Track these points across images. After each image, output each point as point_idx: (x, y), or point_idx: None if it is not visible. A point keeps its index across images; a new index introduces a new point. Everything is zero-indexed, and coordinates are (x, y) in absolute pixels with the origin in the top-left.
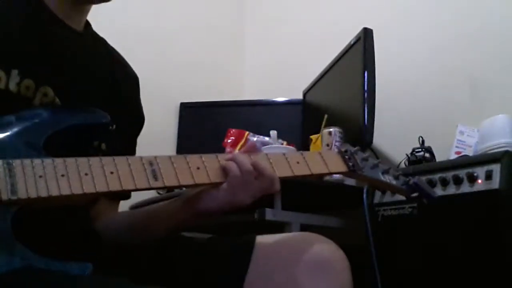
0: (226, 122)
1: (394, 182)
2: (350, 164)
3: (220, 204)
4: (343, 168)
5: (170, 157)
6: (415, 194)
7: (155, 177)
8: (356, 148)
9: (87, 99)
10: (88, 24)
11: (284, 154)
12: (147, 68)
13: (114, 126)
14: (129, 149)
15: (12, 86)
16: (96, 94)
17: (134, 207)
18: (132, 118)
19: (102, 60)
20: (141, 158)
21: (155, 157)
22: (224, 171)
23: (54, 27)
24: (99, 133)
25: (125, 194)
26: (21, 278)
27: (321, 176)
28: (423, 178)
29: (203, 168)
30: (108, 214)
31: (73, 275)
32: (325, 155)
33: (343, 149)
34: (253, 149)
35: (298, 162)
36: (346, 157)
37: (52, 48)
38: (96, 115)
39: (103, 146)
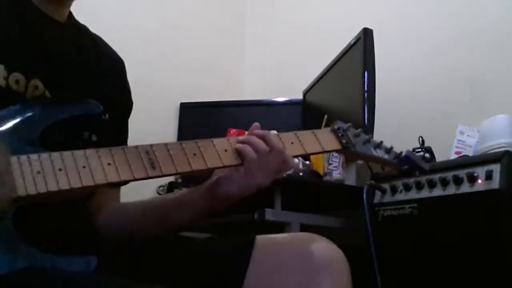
0: (226, 122)
1: (386, 156)
2: (344, 141)
3: (240, 187)
4: (336, 146)
5: (166, 144)
6: (406, 167)
7: (153, 166)
8: (348, 125)
9: (76, 89)
10: (70, 14)
11: (278, 135)
12: (147, 68)
13: (107, 116)
14: (121, 136)
15: (0, 80)
16: (85, 84)
17: None
18: (121, 104)
19: (88, 49)
20: (136, 147)
21: (151, 146)
22: (239, 154)
23: (38, 20)
24: (92, 123)
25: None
26: (23, 279)
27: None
28: (423, 179)
29: (199, 154)
30: (111, 203)
31: (76, 274)
32: (318, 134)
33: (336, 127)
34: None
35: (292, 143)
36: (339, 134)
37: (38, 40)
38: (89, 105)
39: (94, 137)
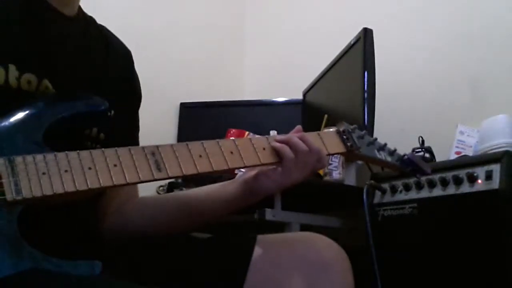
0: (226, 122)
1: (389, 158)
2: (348, 144)
3: (276, 184)
4: (341, 148)
5: (172, 145)
6: (409, 169)
7: (159, 168)
8: (353, 127)
9: (84, 88)
10: (80, 7)
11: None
12: (147, 68)
13: (113, 112)
14: (130, 131)
15: (12, 81)
16: (92, 81)
17: None
18: (129, 98)
19: (95, 43)
20: (143, 148)
21: (157, 147)
22: (277, 154)
23: (47, 15)
24: (97, 120)
25: None
26: (28, 281)
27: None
28: (423, 178)
29: (205, 156)
30: (133, 197)
31: (80, 277)
32: (324, 136)
33: (341, 129)
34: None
35: None
36: (344, 137)
37: (46, 38)
38: (93, 102)
39: (102, 136)
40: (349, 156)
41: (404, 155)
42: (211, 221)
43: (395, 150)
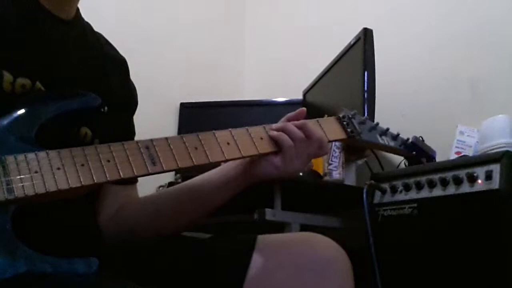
0: (226, 122)
1: (392, 143)
2: (349, 130)
3: (279, 171)
4: (342, 135)
5: (167, 138)
6: (413, 153)
7: (153, 162)
8: (353, 112)
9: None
10: (77, 12)
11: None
12: (147, 68)
13: (106, 109)
14: (126, 134)
15: (6, 85)
16: (87, 86)
17: None
18: (123, 104)
19: (91, 49)
20: (137, 142)
21: (151, 140)
22: (276, 143)
23: (42, 19)
24: (91, 117)
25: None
26: (26, 284)
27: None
28: (423, 179)
29: (201, 148)
30: (133, 199)
31: (79, 280)
32: (323, 123)
33: (340, 115)
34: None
35: None
36: (344, 123)
37: (42, 43)
38: (87, 98)
39: (97, 142)
40: (351, 142)
41: (408, 139)
42: (215, 207)
43: (398, 134)
